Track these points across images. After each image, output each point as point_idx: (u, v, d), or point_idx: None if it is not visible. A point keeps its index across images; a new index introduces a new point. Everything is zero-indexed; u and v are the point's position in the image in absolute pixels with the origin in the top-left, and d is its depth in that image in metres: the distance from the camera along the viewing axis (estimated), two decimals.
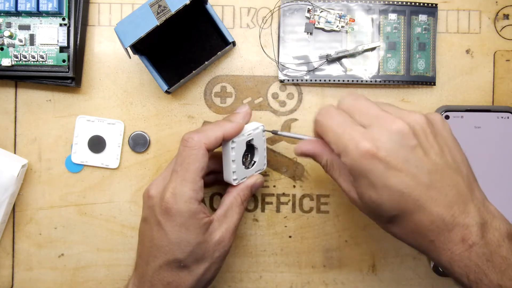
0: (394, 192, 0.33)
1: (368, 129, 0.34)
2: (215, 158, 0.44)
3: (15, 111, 0.48)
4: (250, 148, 0.43)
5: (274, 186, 0.49)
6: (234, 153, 0.41)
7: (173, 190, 0.38)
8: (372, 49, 0.48)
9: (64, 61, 0.46)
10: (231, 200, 0.42)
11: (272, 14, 0.49)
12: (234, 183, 0.42)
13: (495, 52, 0.49)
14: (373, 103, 0.36)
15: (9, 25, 0.46)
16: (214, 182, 0.46)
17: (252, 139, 0.42)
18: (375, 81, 0.48)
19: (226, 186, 0.43)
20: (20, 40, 0.46)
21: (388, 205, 0.34)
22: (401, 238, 0.36)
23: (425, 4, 0.48)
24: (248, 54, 0.49)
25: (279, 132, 0.44)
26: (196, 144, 0.39)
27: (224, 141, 0.41)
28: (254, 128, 0.42)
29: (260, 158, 0.44)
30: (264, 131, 0.43)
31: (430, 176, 0.33)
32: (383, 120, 0.34)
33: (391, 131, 0.34)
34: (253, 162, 0.44)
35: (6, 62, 0.45)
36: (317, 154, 0.39)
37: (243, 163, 0.43)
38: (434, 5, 0.48)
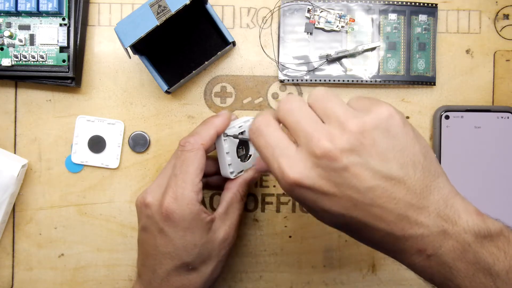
0: (334, 215, 0.32)
1: (297, 152, 0.31)
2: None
3: (15, 111, 0.48)
4: (245, 142, 0.43)
5: (274, 186, 0.49)
6: (227, 145, 0.41)
7: (173, 194, 0.38)
8: (372, 49, 0.48)
9: (64, 61, 0.46)
10: (231, 197, 0.42)
11: (272, 14, 0.49)
12: (232, 176, 0.42)
13: (495, 52, 0.49)
14: (306, 112, 0.32)
15: (9, 25, 0.46)
16: (205, 185, 0.45)
17: (244, 131, 0.42)
18: (375, 81, 0.48)
19: (218, 189, 0.44)
20: (20, 40, 0.46)
21: (334, 224, 0.33)
22: (365, 244, 0.35)
23: (425, 4, 0.48)
24: (248, 54, 0.49)
25: (240, 136, 0.42)
26: (194, 147, 0.39)
27: (217, 136, 0.41)
28: (245, 121, 0.43)
29: (255, 151, 0.44)
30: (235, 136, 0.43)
31: (370, 193, 0.30)
32: (308, 141, 0.31)
33: (315, 156, 0.30)
34: (248, 155, 0.44)
35: (6, 62, 0.45)
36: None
37: (239, 157, 0.43)
38: (434, 5, 0.48)
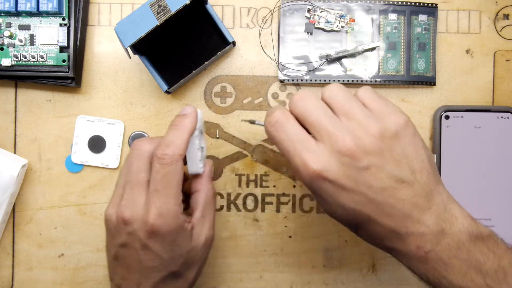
0: (347, 209, 0.34)
1: (319, 147, 0.34)
2: None
3: (15, 111, 0.48)
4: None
5: (274, 186, 0.49)
6: (197, 142, 0.40)
7: (158, 211, 0.37)
8: (372, 49, 0.48)
9: (64, 61, 0.46)
10: (204, 198, 0.40)
11: (272, 14, 0.49)
12: (201, 171, 0.41)
13: (495, 52, 0.49)
14: (324, 109, 0.35)
15: (9, 25, 0.46)
16: None
17: (201, 124, 0.41)
18: (375, 81, 0.48)
19: None
20: (20, 40, 0.46)
21: (344, 219, 0.35)
22: (366, 241, 0.37)
23: (425, 4, 0.48)
24: (248, 54, 0.49)
25: (257, 122, 0.42)
26: (173, 159, 0.37)
27: None
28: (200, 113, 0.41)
29: (204, 142, 0.43)
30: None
31: (383, 193, 0.33)
32: (333, 138, 0.33)
33: (340, 152, 0.33)
34: (201, 147, 0.42)
35: (6, 62, 0.45)
36: None
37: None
38: (434, 5, 0.48)
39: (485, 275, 0.34)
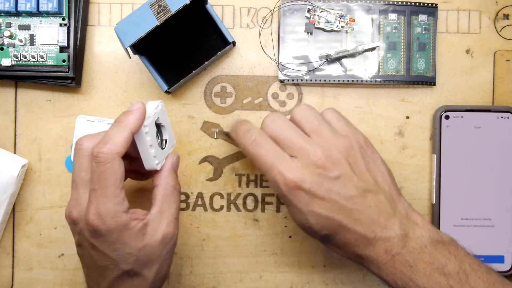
0: (320, 217, 0.37)
1: (293, 161, 0.37)
2: None
3: (15, 111, 0.49)
4: (158, 128, 0.41)
5: None
6: (149, 138, 0.39)
7: (95, 211, 0.36)
8: (372, 49, 0.48)
9: (64, 61, 0.46)
10: (162, 193, 0.39)
11: (272, 14, 0.49)
12: (158, 167, 0.40)
13: (495, 52, 0.49)
14: (294, 128, 0.39)
15: (9, 25, 0.46)
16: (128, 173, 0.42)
17: (158, 117, 0.40)
18: (375, 81, 0.48)
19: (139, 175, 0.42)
20: (20, 40, 0.46)
21: (317, 227, 0.38)
22: (335, 252, 0.40)
23: (425, 4, 0.48)
24: (248, 54, 0.49)
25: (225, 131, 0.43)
26: (108, 158, 0.36)
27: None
28: (156, 107, 0.40)
29: (169, 134, 0.42)
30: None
31: (352, 200, 0.37)
32: (305, 152, 0.37)
33: (314, 164, 0.37)
34: (164, 141, 0.42)
35: (6, 62, 0.45)
36: None
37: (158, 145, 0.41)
38: (434, 5, 0.48)
39: (448, 276, 0.36)
